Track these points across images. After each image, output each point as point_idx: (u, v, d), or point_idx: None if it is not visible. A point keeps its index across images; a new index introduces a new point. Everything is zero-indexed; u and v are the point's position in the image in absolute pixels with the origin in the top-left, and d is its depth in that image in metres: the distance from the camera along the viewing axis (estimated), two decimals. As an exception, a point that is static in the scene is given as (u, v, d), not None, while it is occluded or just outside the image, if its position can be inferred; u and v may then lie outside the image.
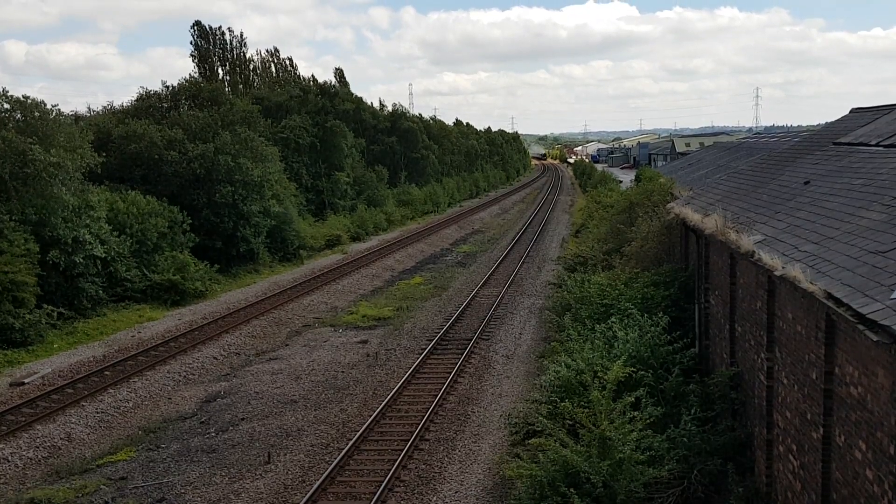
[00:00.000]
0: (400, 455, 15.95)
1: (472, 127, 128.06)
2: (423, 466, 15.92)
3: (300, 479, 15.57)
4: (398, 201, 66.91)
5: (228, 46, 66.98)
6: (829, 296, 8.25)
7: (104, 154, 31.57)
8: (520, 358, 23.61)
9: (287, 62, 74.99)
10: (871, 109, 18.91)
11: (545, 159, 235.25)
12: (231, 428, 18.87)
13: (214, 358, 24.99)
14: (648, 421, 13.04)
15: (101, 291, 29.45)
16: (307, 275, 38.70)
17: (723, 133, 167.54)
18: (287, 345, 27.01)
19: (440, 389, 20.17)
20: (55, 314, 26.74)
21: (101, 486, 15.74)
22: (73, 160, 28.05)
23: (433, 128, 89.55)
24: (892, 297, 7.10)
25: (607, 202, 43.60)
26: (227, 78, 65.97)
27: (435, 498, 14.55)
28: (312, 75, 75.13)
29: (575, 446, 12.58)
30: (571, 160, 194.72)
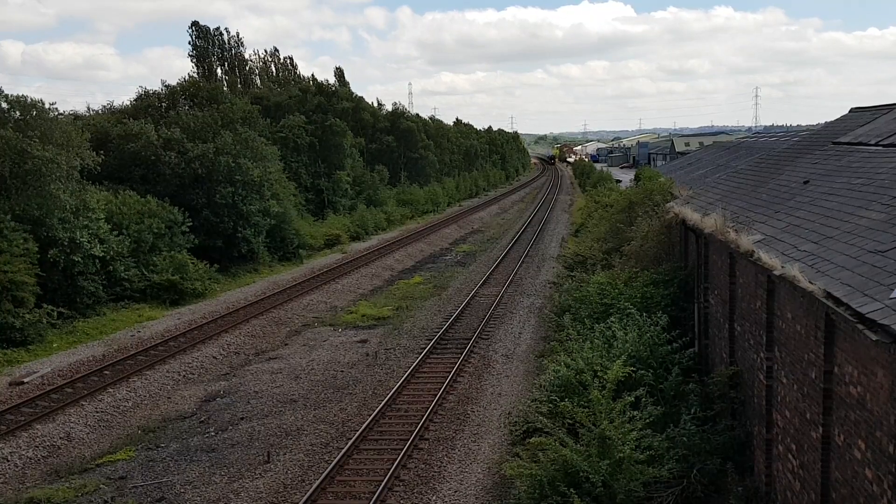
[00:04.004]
0: (399, 454, 15.95)
1: (472, 127, 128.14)
2: (423, 466, 15.92)
3: (300, 478, 15.57)
4: (398, 201, 66.94)
5: (226, 46, 67.12)
6: (829, 295, 8.25)
7: (102, 153, 31.52)
8: (519, 357, 23.61)
9: (287, 62, 75.16)
10: (870, 109, 18.92)
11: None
12: (230, 427, 18.87)
13: (214, 357, 24.98)
14: (648, 420, 13.04)
15: (100, 290, 29.44)
16: (307, 274, 38.69)
17: (722, 133, 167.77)
18: (286, 344, 27.00)
19: (440, 389, 20.16)
20: (55, 314, 26.72)
21: (101, 486, 15.74)
22: (68, 158, 28.03)
23: (432, 127, 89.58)
24: (892, 296, 7.10)
25: (607, 201, 43.57)
26: (226, 78, 66.09)
27: (434, 497, 14.55)
28: (312, 74, 75.24)
29: (575, 446, 12.58)
30: (571, 160, 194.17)
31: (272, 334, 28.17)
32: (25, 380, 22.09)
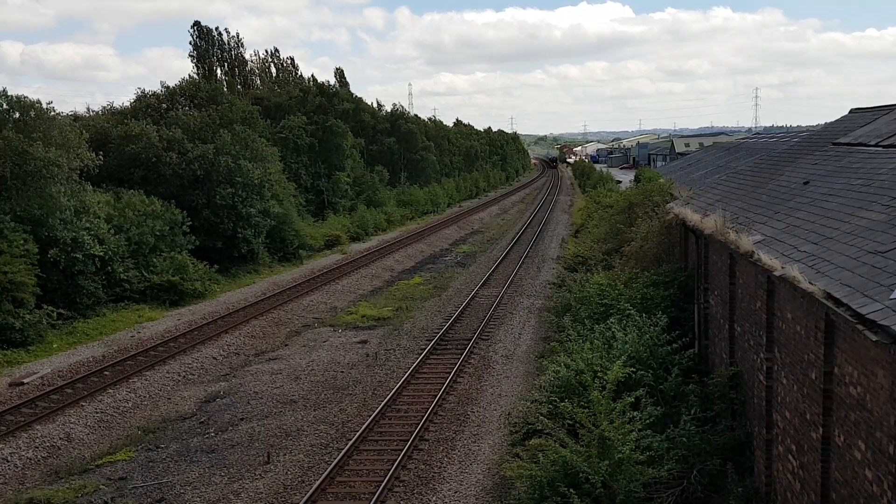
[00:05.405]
0: (399, 455, 15.95)
1: (472, 127, 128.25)
2: (423, 466, 15.92)
3: (300, 479, 15.57)
4: (398, 202, 66.96)
5: (226, 47, 67.10)
6: (829, 296, 8.25)
7: (101, 154, 31.50)
8: (519, 358, 23.61)
9: (288, 62, 75.13)
10: (870, 110, 18.93)
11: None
12: (230, 428, 18.86)
13: (214, 358, 24.98)
14: (648, 421, 13.04)
15: (100, 290, 29.44)
16: (307, 275, 38.69)
17: (722, 133, 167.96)
18: (286, 345, 27.00)
19: (440, 389, 20.16)
20: (55, 314, 26.72)
21: (101, 487, 15.74)
22: (68, 159, 28.05)
23: (432, 128, 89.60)
24: (892, 297, 7.10)
25: (607, 202, 43.62)
26: (226, 78, 66.07)
27: (434, 498, 14.54)
28: (312, 75, 75.22)
29: (575, 446, 12.58)
30: (571, 160, 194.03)
31: (272, 335, 28.17)
32: (25, 380, 22.09)
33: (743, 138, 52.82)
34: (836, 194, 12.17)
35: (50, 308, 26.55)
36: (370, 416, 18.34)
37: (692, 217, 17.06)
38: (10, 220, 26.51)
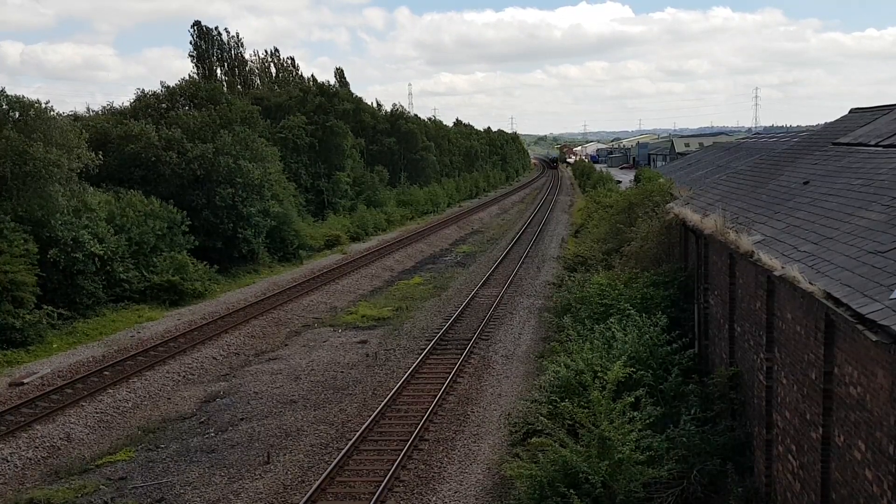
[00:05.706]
0: (399, 455, 15.95)
1: (472, 127, 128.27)
2: (423, 466, 15.92)
3: (299, 479, 15.57)
4: (398, 202, 66.96)
5: (226, 47, 67.05)
6: (829, 296, 8.25)
7: (101, 154, 31.47)
8: (519, 358, 23.61)
9: (288, 62, 75.08)
10: (870, 109, 18.93)
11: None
12: (230, 428, 18.86)
13: (214, 358, 24.98)
14: (648, 421, 13.04)
15: (100, 290, 29.44)
16: (306, 275, 38.69)
17: (722, 133, 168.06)
18: (286, 345, 27.00)
19: (439, 389, 20.16)
20: (55, 314, 26.72)
21: (101, 487, 15.74)
22: (68, 159, 28.05)
23: (432, 129, 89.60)
24: (892, 297, 7.10)
25: (607, 202, 43.62)
26: (225, 78, 66.02)
27: (434, 498, 14.54)
28: (312, 75, 75.20)
29: (574, 446, 12.58)
30: (571, 160, 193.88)
31: (272, 335, 28.17)
32: (25, 380, 22.09)
33: (743, 138, 52.85)
34: (836, 194, 12.17)
35: (50, 308, 26.54)
36: (370, 416, 18.34)
37: (692, 217, 17.06)
38: (11, 220, 26.51)
